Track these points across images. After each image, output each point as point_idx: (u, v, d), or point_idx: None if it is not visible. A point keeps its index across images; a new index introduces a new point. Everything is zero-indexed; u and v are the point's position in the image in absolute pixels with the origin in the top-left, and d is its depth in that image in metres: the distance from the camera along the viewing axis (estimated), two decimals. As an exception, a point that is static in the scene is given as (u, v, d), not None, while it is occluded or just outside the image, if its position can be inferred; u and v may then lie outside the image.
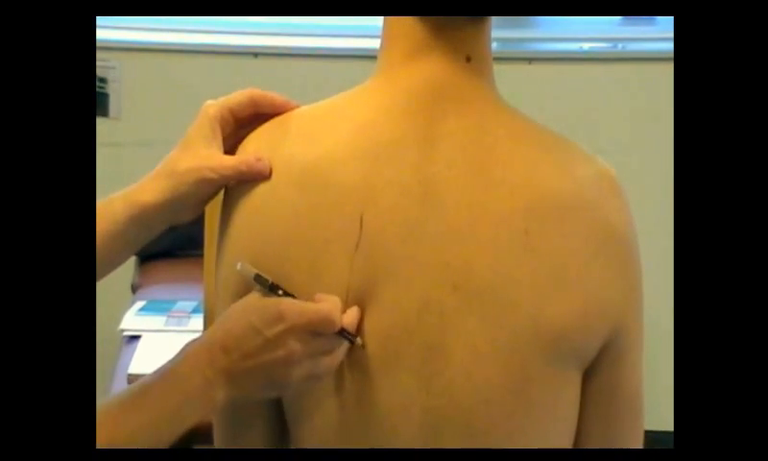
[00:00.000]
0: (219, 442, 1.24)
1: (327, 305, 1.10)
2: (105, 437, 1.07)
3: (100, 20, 3.23)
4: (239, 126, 1.22)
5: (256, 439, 1.21)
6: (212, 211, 1.31)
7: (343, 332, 1.11)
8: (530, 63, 3.36)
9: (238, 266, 1.13)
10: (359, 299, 1.13)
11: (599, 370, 1.17)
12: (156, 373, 1.12)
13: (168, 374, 1.12)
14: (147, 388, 1.12)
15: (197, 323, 2.41)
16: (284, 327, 1.10)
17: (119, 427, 1.09)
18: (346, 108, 1.19)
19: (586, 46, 3.41)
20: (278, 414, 1.21)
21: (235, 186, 1.19)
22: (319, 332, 1.10)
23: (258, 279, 1.13)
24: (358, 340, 1.12)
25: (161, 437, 1.11)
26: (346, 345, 1.12)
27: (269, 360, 1.10)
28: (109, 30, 3.28)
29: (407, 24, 1.16)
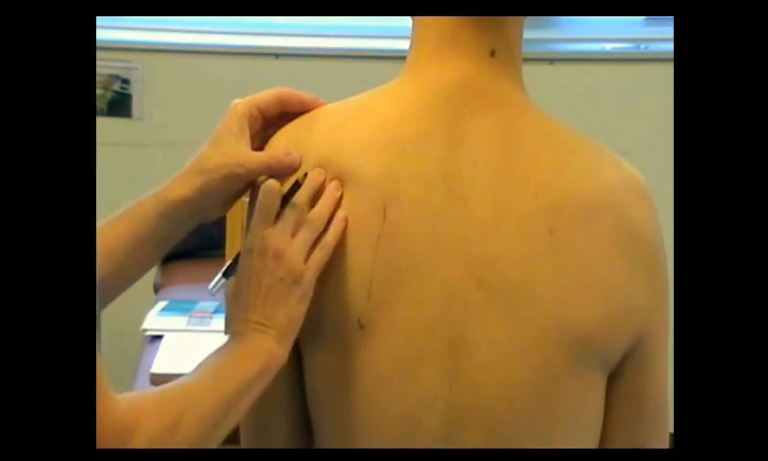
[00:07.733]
0: (245, 438, 1.24)
1: None
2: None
3: (122, 21, 3.24)
4: (266, 125, 1.23)
5: (281, 434, 1.21)
6: (233, 212, 1.32)
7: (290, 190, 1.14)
8: (552, 64, 3.35)
9: (212, 289, 1.19)
10: (382, 291, 1.13)
11: (624, 374, 1.16)
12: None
13: (220, 352, 1.14)
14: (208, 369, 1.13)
15: (218, 323, 2.41)
16: (254, 228, 1.13)
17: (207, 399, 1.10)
18: (372, 104, 1.19)
19: (608, 47, 3.40)
20: (302, 408, 1.20)
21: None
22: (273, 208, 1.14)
23: (227, 270, 1.17)
24: (309, 175, 1.14)
25: (246, 398, 1.12)
26: (310, 190, 1.14)
27: (259, 270, 1.12)
28: (131, 31, 3.29)
29: (432, 22, 1.16)
